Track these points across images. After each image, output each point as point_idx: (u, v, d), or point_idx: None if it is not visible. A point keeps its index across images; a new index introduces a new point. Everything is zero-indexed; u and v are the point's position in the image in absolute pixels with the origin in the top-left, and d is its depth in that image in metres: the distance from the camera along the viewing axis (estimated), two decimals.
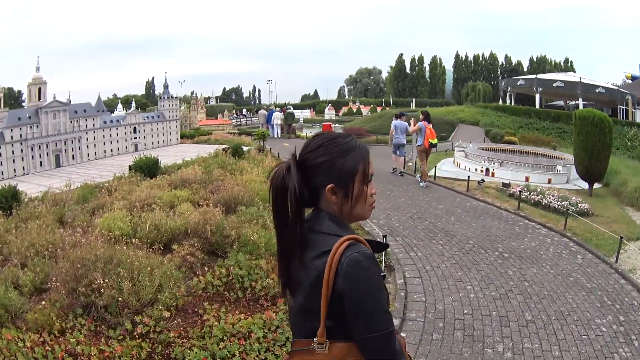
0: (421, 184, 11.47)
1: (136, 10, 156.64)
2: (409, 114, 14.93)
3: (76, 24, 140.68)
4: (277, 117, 27.55)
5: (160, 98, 39.16)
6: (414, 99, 63.09)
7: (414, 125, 11.78)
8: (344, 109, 61.48)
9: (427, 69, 73.36)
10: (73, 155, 30.28)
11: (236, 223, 6.09)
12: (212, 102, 72.07)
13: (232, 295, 4.96)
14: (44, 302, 4.54)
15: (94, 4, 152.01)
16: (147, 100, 50.57)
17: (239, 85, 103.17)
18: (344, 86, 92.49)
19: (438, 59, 73.14)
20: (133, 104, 43.01)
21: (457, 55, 72.94)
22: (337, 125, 37.47)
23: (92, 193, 9.25)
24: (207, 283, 5.10)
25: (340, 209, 1.36)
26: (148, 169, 11.62)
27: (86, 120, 31.02)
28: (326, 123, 25.71)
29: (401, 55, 73.76)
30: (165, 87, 41.16)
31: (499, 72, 66.99)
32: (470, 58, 72.39)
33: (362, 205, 1.39)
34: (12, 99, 69.40)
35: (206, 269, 5.43)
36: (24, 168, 27.04)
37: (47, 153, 28.48)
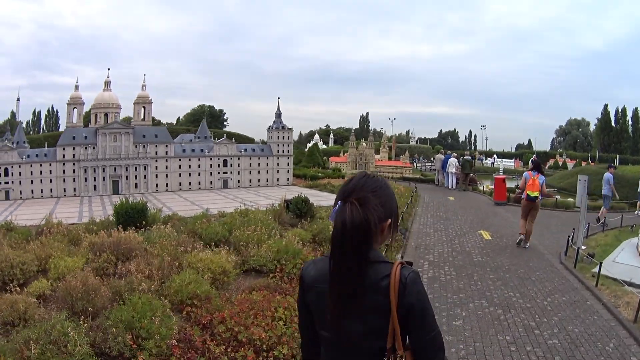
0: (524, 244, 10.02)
1: (356, 44, 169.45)
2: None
3: (296, 51, 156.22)
4: (452, 164, 22.10)
5: (269, 129, 33.81)
6: (617, 155, 55.96)
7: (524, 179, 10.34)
8: (551, 162, 58.11)
9: (630, 122, 65.63)
10: (136, 184, 27.20)
11: None
12: (412, 143, 74.72)
13: None
14: None
15: (318, 35, 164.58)
16: (353, 135, 48.77)
17: (455, 129, 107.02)
18: (555, 137, 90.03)
19: (639, 112, 65.11)
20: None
21: None
22: None
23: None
24: None
25: (382, 240, 1.62)
26: (127, 216, 9.33)
27: (156, 146, 27.31)
28: (499, 176, 20.75)
29: (606, 106, 67.10)
30: (278, 115, 33.10)
31: None
32: None
33: None
34: (213, 117, 76.34)
35: None
36: (74, 189, 25.65)
37: (104, 177, 26.16)
